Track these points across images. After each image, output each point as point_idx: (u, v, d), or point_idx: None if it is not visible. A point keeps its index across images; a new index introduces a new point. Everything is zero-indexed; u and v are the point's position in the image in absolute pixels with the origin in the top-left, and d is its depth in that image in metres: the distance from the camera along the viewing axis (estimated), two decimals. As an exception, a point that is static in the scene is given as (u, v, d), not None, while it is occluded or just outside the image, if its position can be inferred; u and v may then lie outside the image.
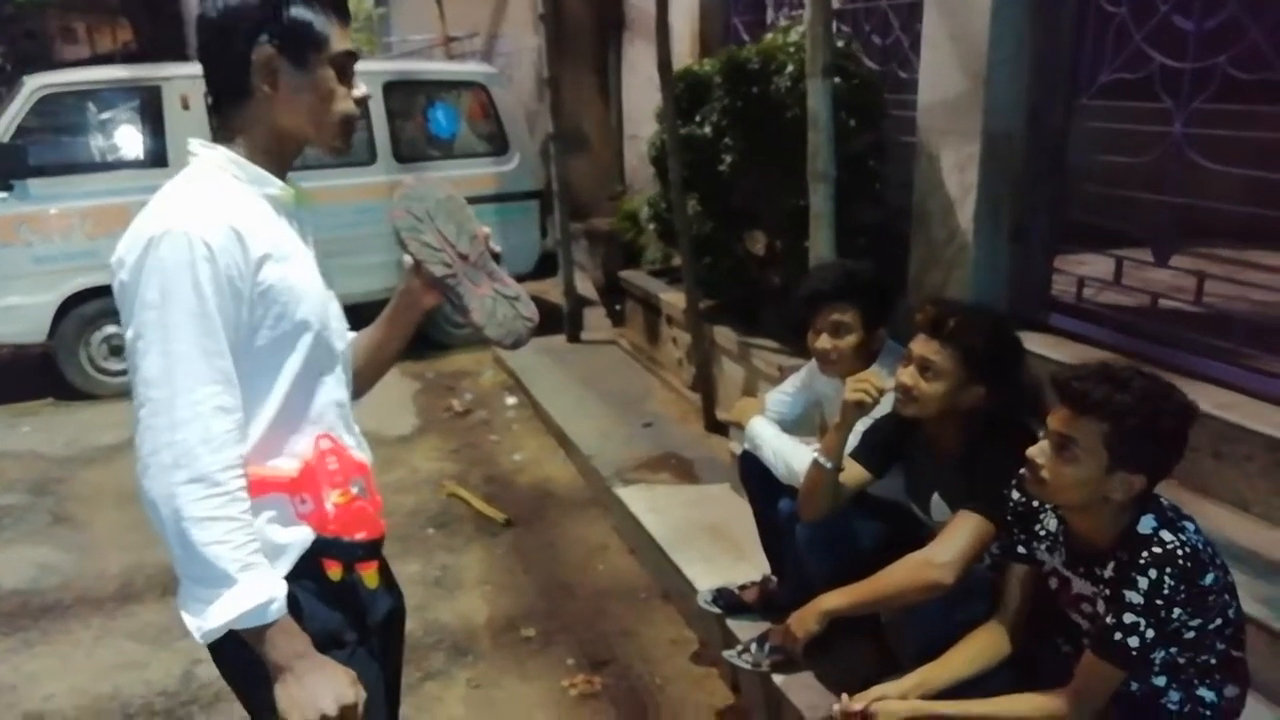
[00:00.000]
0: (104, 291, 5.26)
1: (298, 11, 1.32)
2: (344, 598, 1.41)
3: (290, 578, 1.34)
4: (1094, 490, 1.65)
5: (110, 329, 5.42)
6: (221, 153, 1.35)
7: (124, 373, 5.46)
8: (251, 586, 1.24)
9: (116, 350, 5.48)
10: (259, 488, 1.31)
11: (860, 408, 2.13)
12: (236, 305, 1.27)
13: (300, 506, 1.35)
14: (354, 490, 1.38)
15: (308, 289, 1.36)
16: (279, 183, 1.38)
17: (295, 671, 1.27)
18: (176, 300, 1.22)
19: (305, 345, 1.35)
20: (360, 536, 1.38)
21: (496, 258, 1.54)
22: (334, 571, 1.38)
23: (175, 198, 1.29)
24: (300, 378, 1.36)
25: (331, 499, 1.35)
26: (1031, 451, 1.71)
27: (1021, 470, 1.74)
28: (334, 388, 1.43)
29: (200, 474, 1.21)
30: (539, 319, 1.57)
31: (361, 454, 1.48)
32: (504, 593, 3.36)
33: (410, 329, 1.60)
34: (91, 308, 5.34)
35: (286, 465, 1.35)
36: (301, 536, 1.36)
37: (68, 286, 5.25)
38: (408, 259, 1.47)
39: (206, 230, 1.24)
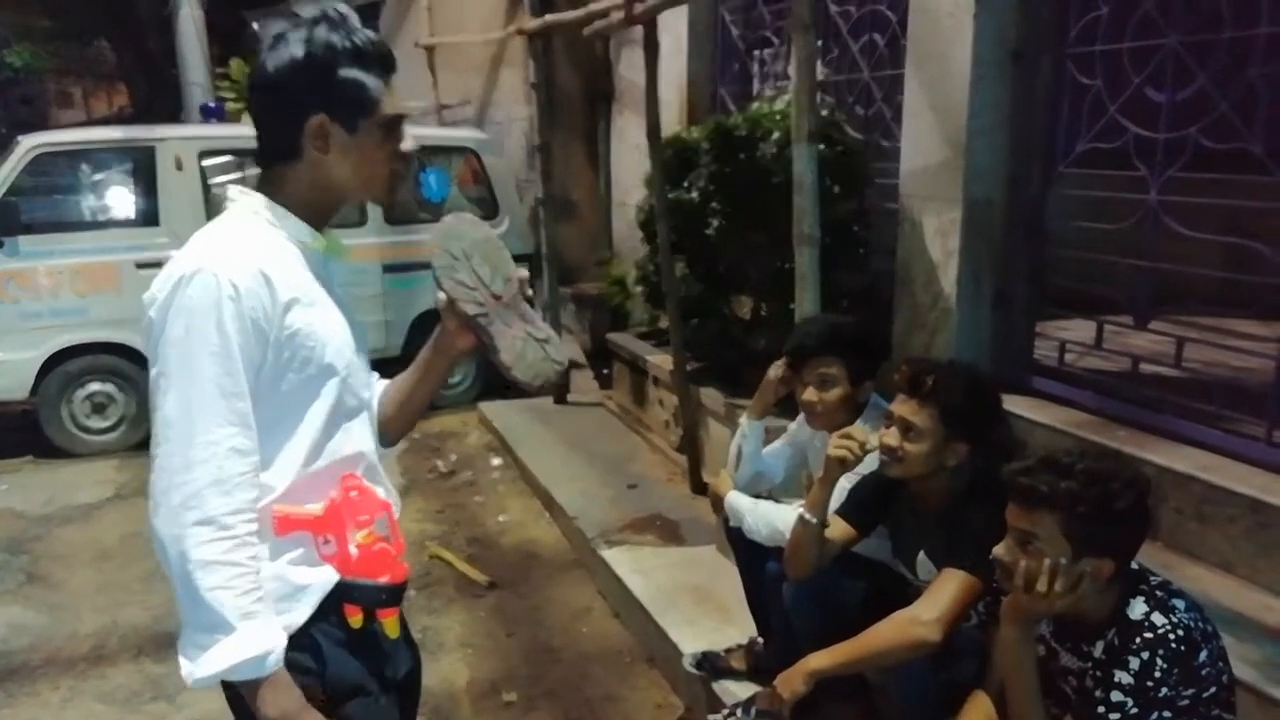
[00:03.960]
0: (89, 349, 5.30)
1: (351, 74, 1.34)
2: (365, 646, 1.39)
3: (312, 621, 1.33)
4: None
5: (94, 386, 5.41)
6: (258, 199, 1.37)
7: (105, 431, 5.48)
8: (250, 636, 1.22)
9: (99, 408, 5.46)
10: (284, 525, 1.31)
11: (843, 464, 2.13)
12: (261, 347, 1.27)
13: (323, 547, 1.34)
14: (378, 530, 1.37)
15: (333, 335, 1.37)
16: (310, 230, 1.40)
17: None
18: (200, 339, 1.23)
19: (331, 391, 1.36)
20: (384, 580, 1.37)
21: (530, 301, 1.55)
22: (355, 618, 1.36)
23: (208, 240, 1.31)
24: (326, 423, 1.36)
25: (355, 539, 1.35)
26: (998, 551, 1.71)
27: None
28: (360, 436, 1.43)
29: (209, 517, 1.21)
30: (567, 364, 1.57)
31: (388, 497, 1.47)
32: (486, 656, 3.30)
33: (444, 375, 1.60)
34: (75, 365, 5.33)
35: (312, 506, 1.35)
36: (324, 578, 1.35)
37: (53, 344, 5.23)
38: (441, 296, 1.47)
39: (234, 272, 1.25)
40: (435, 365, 1.57)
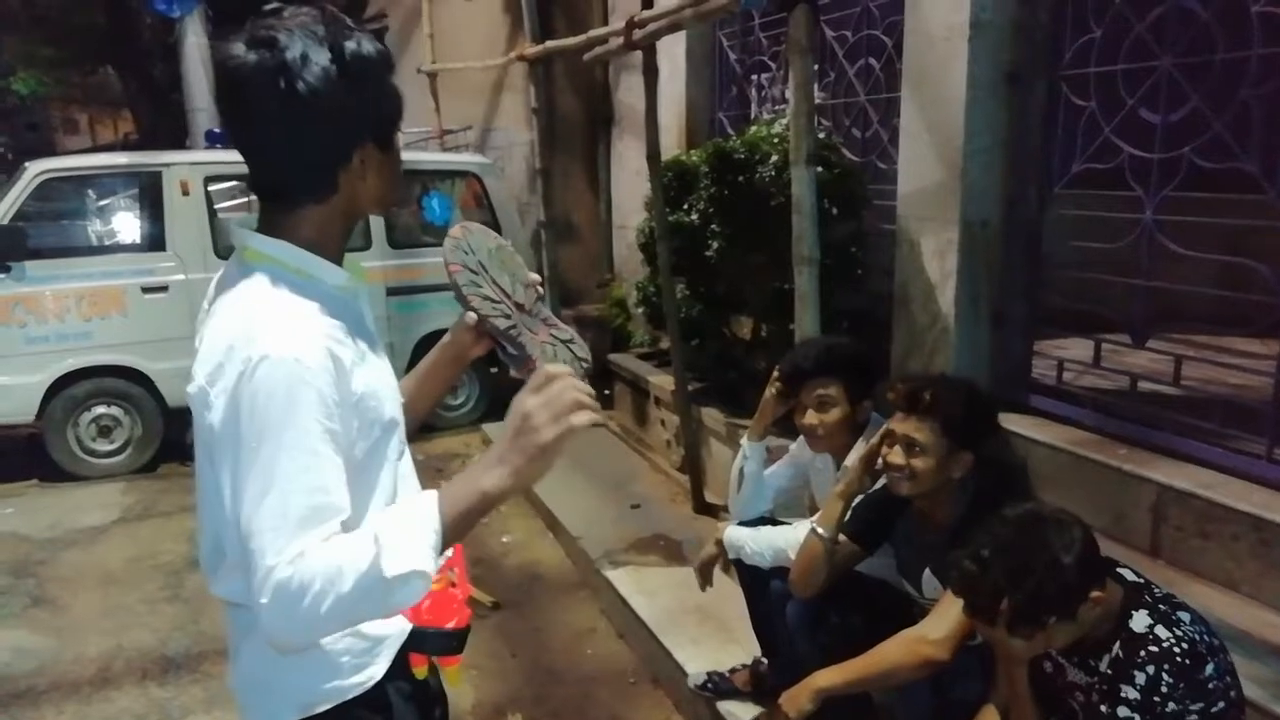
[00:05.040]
0: (95, 373, 5.33)
1: (389, 86, 1.19)
2: (422, 699, 1.33)
3: (387, 677, 1.26)
4: (1075, 632, 1.66)
5: (100, 410, 5.42)
6: (281, 250, 1.20)
7: (111, 454, 5.49)
8: (406, 552, 1.07)
9: (105, 431, 5.48)
10: None
11: (869, 462, 2.16)
12: (345, 422, 1.15)
13: None
14: (449, 574, 1.32)
15: (386, 385, 1.27)
16: (343, 274, 1.25)
17: (509, 472, 1.13)
18: (279, 438, 1.09)
19: (395, 446, 1.28)
20: (450, 626, 1.29)
21: (542, 299, 1.52)
22: (420, 669, 1.30)
23: (261, 318, 1.14)
24: (395, 479, 1.28)
25: None
26: (1020, 651, 1.71)
27: None
28: (413, 475, 1.35)
29: (321, 625, 1.07)
30: (593, 360, 1.55)
31: None
32: (491, 677, 3.30)
33: (451, 383, 1.53)
34: (81, 389, 5.35)
35: None
36: (398, 628, 1.27)
37: (59, 367, 5.25)
38: (470, 316, 1.40)
39: (302, 352, 1.11)
40: (445, 373, 1.50)
